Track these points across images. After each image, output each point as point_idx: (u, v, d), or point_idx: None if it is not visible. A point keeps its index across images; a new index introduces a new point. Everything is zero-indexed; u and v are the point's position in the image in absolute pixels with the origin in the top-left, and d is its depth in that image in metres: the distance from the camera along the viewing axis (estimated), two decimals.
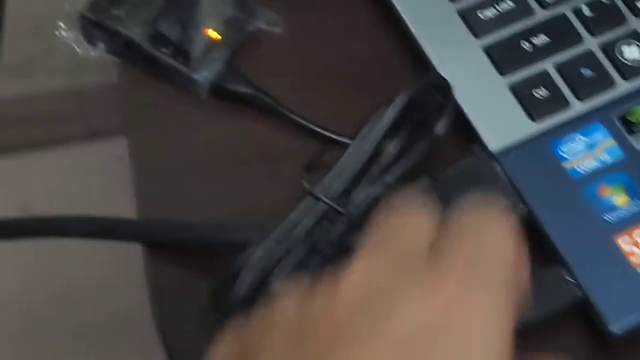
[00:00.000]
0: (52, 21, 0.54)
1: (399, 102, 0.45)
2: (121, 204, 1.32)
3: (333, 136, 0.50)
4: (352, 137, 0.48)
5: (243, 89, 0.52)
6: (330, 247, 0.45)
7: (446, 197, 0.45)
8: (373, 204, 0.46)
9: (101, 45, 0.53)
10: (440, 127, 0.47)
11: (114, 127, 1.41)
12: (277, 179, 0.50)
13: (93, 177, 1.37)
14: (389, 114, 0.45)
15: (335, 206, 0.45)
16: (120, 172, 1.38)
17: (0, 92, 1.41)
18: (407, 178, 0.47)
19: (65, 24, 0.54)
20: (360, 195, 0.46)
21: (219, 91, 0.52)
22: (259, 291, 0.44)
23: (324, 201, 0.45)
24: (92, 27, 0.53)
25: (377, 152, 0.46)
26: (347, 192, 0.46)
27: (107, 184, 1.34)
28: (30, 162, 1.40)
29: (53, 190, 1.36)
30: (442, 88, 0.47)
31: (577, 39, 0.50)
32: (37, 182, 1.37)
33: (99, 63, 0.54)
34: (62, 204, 1.34)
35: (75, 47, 0.54)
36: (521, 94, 0.49)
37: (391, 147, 0.46)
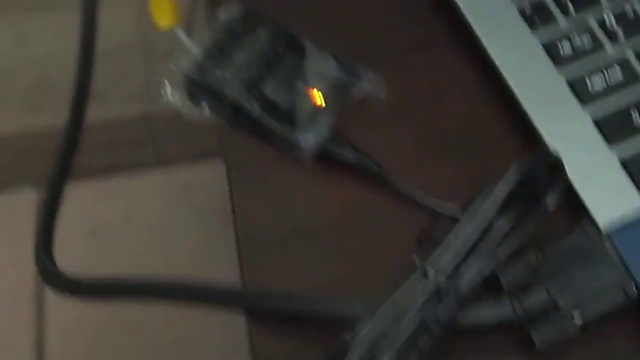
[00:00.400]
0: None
1: (511, 178, 0.46)
2: (188, 235, 1.34)
3: (439, 205, 0.50)
4: (460, 209, 0.48)
5: (348, 155, 0.52)
6: (439, 326, 0.45)
7: (554, 273, 0.46)
8: (483, 281, 0.46)
9: (205, 106, 0.54)
10: (552, 202, 0.47)
11: (183, 154, 1.43)
12: (382, 248, 0.50)
13: (161, 204, 1.39)
14: (502, 190, 0.46)
15: (446, 284, 0.45)
16: (187, 200, 1.40)
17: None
18: (515, 254, 0.47)
19: (170, 85, 0.54)
20: (471, 272, 0.46)
21: (323, 156, 0.52)
22: None
23: (433, 278, 0.45)
24: (197, 88, 0.54)
25: (488, 228, 0.46)
26: (457, 268, 0.46)
27: (174, 211, 1.36)
28: (100, 187, 1.42)
29: (122, 215, 1.38)
30: (554, 164, 0.47)
31: None
32: (105, 207, 1.39)
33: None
34: (130, 230, 1.36)
35: (181, 108, 0.54)
36: (632, 168, 0.49)
37: (502, 223, 0.46)
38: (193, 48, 0.55)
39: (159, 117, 1.45)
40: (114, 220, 1.37)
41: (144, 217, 1.38)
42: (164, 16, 0.71)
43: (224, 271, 1.25)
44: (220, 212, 1.36)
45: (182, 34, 0.56)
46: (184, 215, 1.39)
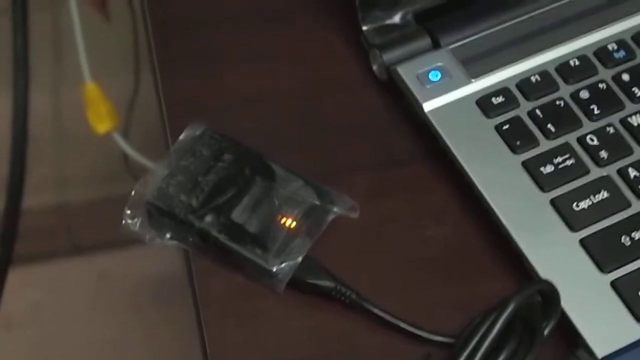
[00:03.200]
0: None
1: (507, 311, 0.45)
2: (104, 321, 1.31)
3: (428, 336, 0.49)
4: (449, 337, 0.48)
5: (324, 283, 0.51)
6: None
7: None
8: None
9: (167, 235, 0.53)
10: (547, 332, 0.46)
11: (98, 241, 1.42)
12: None
13: (77, 292, 1.37)
14: (497, 324, 0.45)
15: None
16: (103, 289, 1.38)
17: None
18: None
19: (131, 211, 0.53)
20: None
21: (298, 284, 0.51)
22: None
23: None
24: (160, 215, 0.53)
25: None
26: None
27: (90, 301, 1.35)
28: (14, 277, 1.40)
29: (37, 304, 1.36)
30: (548, 293, 0.47)
31: None
32: (20, 296, 1.37)
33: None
34: (45, 320, 1.34)
35: (141, 235, 0.53)
36: (625, 293, 0.49)
37: (499, 359, 0.45)
38: (132, 152, 0.54)
39: (73, 206, 1.44)
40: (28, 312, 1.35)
41: (57, 307, 1.36)
42: (100, 121, 0.70)
43: None
44: (137, 300, 1.35)
45: (119, 139, 0.56)
46: (100, 304, 1.38)
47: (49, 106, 1.46)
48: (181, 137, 0.55)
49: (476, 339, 0.45)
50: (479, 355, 0.45)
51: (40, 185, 1.46)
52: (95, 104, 0.79)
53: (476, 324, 0.46)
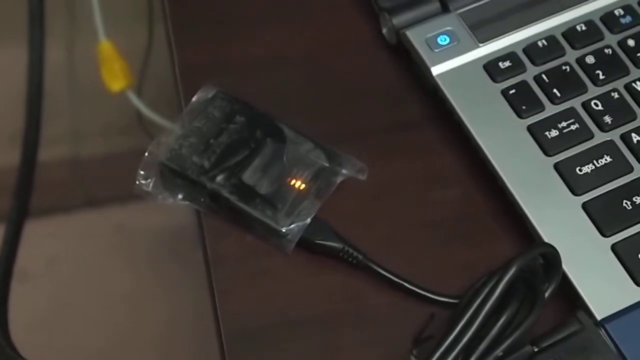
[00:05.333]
0: None
1: (508, 274, 0.47)
2: (120, 275, 1.33)
3: (430, 295, 0.51)
4: (452, 297, 0.50)
5: (332, 243, 0.53)
6: None
7: None
8: None
9: (180, 195, 0.55)
10: (547, 295, 0.48)
11: (114, 195, 1.44)
12: (369, 338, 0.51)
13: (93, 245, 1.40)
14: (499, 286, 0.47)
15: None
16: (119, 242, 1.41)
17: None
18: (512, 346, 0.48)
19: (144, 172, 0.55)
20: None
21: (306, 244, 0.53)
22: None
23: None
24: (173, 176, 0.55)
25: (485, 324, 0.47)
26: None
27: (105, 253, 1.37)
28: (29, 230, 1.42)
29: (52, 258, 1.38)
30: (550, 256, 0.49)
31: None
32: (35, 249, 1.39)
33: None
34: (61, 273, 1.36)
35: (155, 196, 0.55)
36: (625, 257, 0.50)
37: (500, 320, 0.47)
38: (145, 110, 0.55)
39: (88, 158, 1.46)
40: (44, 263, 1.37)
41: (73, 260, 1.39)
42: (115, 79, 0.72)
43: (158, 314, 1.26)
44: (153, 253, 1.37)
45: (133, 97, 0.57)
46: (116, 258, 1.40)
47: (63, 61, 1.47)
48: (194, 99, 0.57)
49: (479, 300, 0.47)
50: (482, 315, 0.47)
51: (55, 139, 1.48)
52: (109, 62, 0.80)
53: (479, 286, 0.48)
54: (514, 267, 0.47)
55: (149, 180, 0.55)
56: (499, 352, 0.47)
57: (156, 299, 1.34)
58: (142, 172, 0.55)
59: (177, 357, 1.34)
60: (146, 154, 0.55)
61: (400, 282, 0.52)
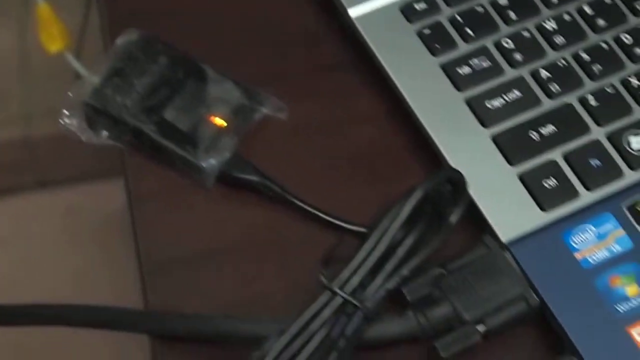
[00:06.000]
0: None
1: (415, 197, 0.49)
2: (70, 255, 1.34)
3: (344, 225, 0.53)
4: (363, 226, 0.51)
5: (251, 177, 0.55)
6: (346, 341, 0.47)
7: (458, 287, 0.49)
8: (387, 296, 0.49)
9: (104, 133, 0.56)
10: (454, 219, 0.50)
11: (67, 176, 1.44)
12: (287, 268, 0.53)
13: (43, 226, 1.40)
14: (406, 209, 0.49)
15: (353, 300, 0.48)
16: (70, 223, 1.42)
17: None
18: (419, 268, 0.50)
19: (69, 111, 0.57)
20: (376, 288, 0.49)
21: (226, 179, 0.55)
22: None
23: (341, 295, 0.48)
24: (96, 115, 0.56)
25: (392, 245, 0.49)
26: (363, 286, 0.49)
27: (56, 234, 1.38)
28: None
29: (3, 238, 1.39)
30: (456, 181, 0.51)
31: (584, 128, 0.54)
32: None
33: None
34: (10, 253, 1.37)
35: (79, 135, 0.57)
36: (531, 184, 0.52)
37: (407, 241, 0.49)
38: (84, 72, 0.57)
39: (40, 140, 1.46)
40: None
41: (24, 241, 1.39)
42: (53, 41, 0.73)
43: (107, 294, 1.26)
44: (105, 234, 1.38)
45: (71, 59, 0.59)
46: (66, 238, 1.41)
47: (14, 44, 1.48)
48: (117, 41, 0.58)
49: (386, 222, 0.49)
50: (388, 237, 0.48)
51: (6, 120, 1.49)
52: (47, 24, 0.82)
53: (385, 210, 0.50)
54: (419, 191, 0.49)
55: (73, 120, 0.57)
56: (405, 271, 0.49)
57: (105, 279, 1.35)
58: (66, 112, 0.57)
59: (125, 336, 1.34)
60: (69, 94, 0.57)
61: (316, 212, 0.53)
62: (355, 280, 0.48)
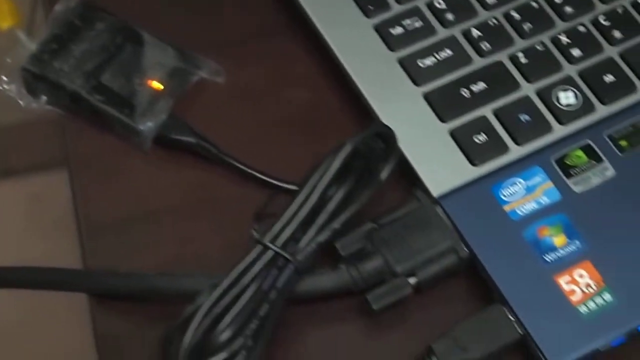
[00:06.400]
0: None
1: (344, 151, 0.49)
2: (37, 244, 1.34)
3: (278, 183, 0.54)
4: (297, 184, 0.52)
5: (187, 138, 0.55)
6: (278, 294, 0.48)
7: (390, 241, 0.50)
8: (319, 250, 0.50)
9: (44, 97, 0.57)
10: (385, 174, 0.51)
11: (31, 165, 1.44)
12: (223, 227, 0.54)
13: (7, 214, 1.40)
14: (335, 163, 0.49)
15: (283, 253, 0.48)
16: (34, 211, 1.42)
17: None
18: (351, 223, 0.51)
19: (7, 77, 0.57)
20: (307, 242, 0.49)
21: (163, 141, 0.56)
22: (210, 340, 0.47)
23: (272, 249, 0.48)
24: (34, 80, 0.57)
25: (323, 199, 0.50)
26: (294, 239, 0.49)
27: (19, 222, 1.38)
28: None
29: None
30: (387, 136, 0.51)
31: (514, 85, 0.55)
32: None
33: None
34: None
35: (18, 100, 0.57)
36: (461, 139, 0.53)
37: (337, 195, 0.50)
38: (32, 46, 0.58)
39: (2, 128, 1.46)
40: None
41: None
42: (2, 18, 0.74)
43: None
44: (68, 222, 1.38)
45: (22, 35, 0.59)
46: (29, 226, 1.41)
47: None
48: (56, 7, 0.59)
49: (316, 176, 0.50)
50: (319, 190, 0.49)
51: None
52: None
53: (315, 166, 0.50)
54: (348, 145, 0.50)
55: (12, 86, 0.57)
56: (336, 225, 0.49)
57: (70, 266, 1.35)
58: (4, 78, 0.57)
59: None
60: (8, 60, 0.57)
61: (251, 171, 0.54)
62: (286, 234, 0.49)
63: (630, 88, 0.55)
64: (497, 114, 0.54)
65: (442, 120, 0.54)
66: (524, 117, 0.54)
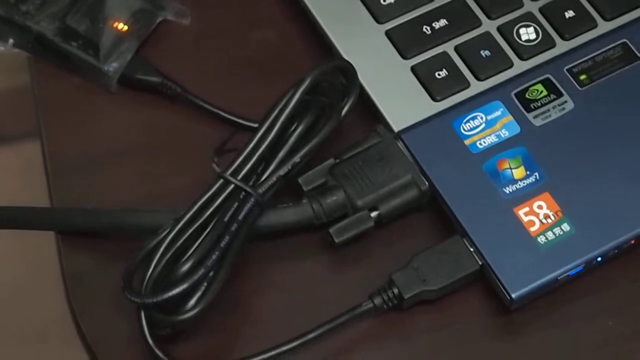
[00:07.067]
0: None
1: (303, 85, 0.50)
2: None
3: (241, 121, 0.54)
4: (257, 122, 0.52)
5: (152, 78, 0.56)
6: (239, 227, 0.49)
7: (351, 175, 0.51)
8: (280, 184, 0.50)
9: (11, 40, 0.57)
10: (346, 109, 0.52)
11: (23, 131, 1.44)
12: (188, 165, 0.54)
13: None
14: (295, 97, 0.50)
15: (244, 186, 0.49)
16: (31, 175, 1.42)
17: None
18: (314, 159, 0.51)
19: None
20: (268, 175, 0.50)
21: (128, 81, 0.56)
22: (172, 272, 0.48)
23: (232, 182, 0.49)
24: (1, 23, 0.57)
25: (283, 133, 0.50)
26: (255, 173, 0.50)
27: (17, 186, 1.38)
28: None
29: None
30: (346, 71, 0.52)
31: (476, 22, 0.55)
32: None
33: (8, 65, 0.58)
34: None
35: None
36: (423, 75, 0.54)
37: (298, 129, 0.50)
38: None
39: None
40: None
41: None
42: None
43: None
44: None
45: None
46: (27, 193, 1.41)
47: None
48: None
49: (277, 109, 0.50)
50: (279, 123, 0.50)
51: None
52: None
53: (277, 101, 0.51)
54: (308, 79, 0.50)
55: None
56: (297, 158, 0.50)
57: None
58: None
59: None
60: None
61: (214, 109, 0.55)
62: (246, 167, 0.49)
63: (590, 23, 0.56)
64: (458, 50, 0.55)
65: (404, 56, 0.54)
66: (485, 53, 0.54)
